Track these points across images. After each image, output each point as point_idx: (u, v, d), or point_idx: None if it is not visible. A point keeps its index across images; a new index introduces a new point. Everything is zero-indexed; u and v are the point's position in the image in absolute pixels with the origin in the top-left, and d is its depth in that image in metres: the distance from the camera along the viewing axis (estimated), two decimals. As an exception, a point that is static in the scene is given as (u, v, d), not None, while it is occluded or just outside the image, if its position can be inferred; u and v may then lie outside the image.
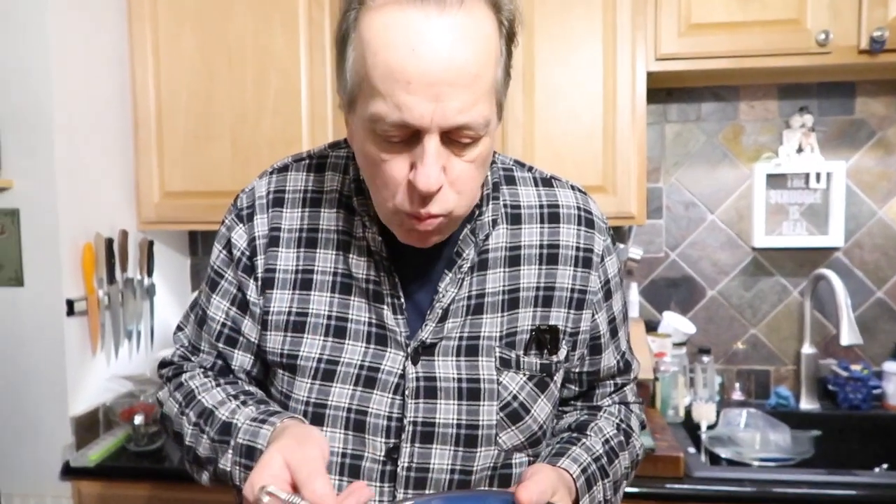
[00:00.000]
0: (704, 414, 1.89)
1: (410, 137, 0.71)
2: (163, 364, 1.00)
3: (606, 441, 0.92)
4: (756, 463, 1.75)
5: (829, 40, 1.69)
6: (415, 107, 0.68)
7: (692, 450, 1.68)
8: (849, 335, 1.79)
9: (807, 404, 2.01)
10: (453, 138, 0.72)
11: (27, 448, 1.71)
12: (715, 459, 1.79)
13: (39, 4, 1.63)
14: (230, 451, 0.79)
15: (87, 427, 1.76)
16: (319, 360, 0.85)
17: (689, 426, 1.88)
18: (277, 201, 0.90)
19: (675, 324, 2.06)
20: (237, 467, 0.78)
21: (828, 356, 2.09)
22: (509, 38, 0.76)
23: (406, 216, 0.76)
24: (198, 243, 2.33)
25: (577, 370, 0.95)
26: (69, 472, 1.67)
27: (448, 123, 0.69)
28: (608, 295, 0.94)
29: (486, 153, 0.76)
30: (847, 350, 2.06)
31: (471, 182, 0.76)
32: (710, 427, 1.88)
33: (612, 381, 0.99)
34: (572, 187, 0.95)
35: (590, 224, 0.92)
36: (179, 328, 0.99)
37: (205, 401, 0.87)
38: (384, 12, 0.68)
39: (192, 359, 0.96)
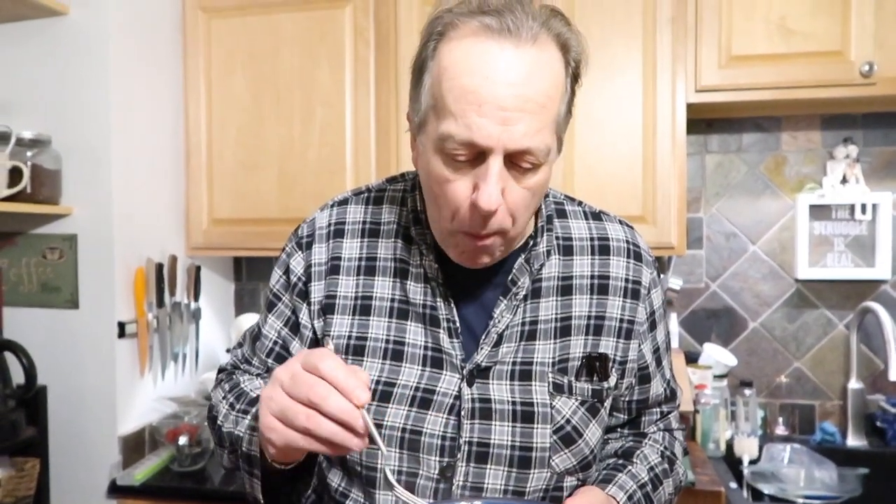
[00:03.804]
0: (746, 448, 1.85)
1: (476, 158, 0.76)
2: (220, 371, 1.07)
3: (651, 468, 0.95)
4: (800, 500, 1.71)
5: (873, 71, 1.68)
6: (484, 128, 0.73)
7: (734, 485, 1.65)
8: (898, 370, 1.75)
9: (854, 441, 1.96)
10: (515, 162, 0.76)
11: (76, 465, 1.77)
12: (757, 495, 1.75)
13: (101, 43, 1.73)
14: (248, 417, 0.84)
15: (134, 446, 1.81)
16: (377, 382, 0.88)
17: (731, 461, 1.84)
18: (338, 232, 0.95)
19: (716, 356, 2.03)
20: (249, 432, 0.83)
21: (876, 391, 2.03)
22: (574, 78, 0.81)
23: (463, 235, 0.80)
24: (242, 269, 2.39)
25: (626, 399, 0.97)
26: (116, 490, 1.72)
27: (513, 146, 0.74)
28: (653, 326, 0.97)
29: (543, 182, 0.81)
30: (896, 386, 2.01)
31: (525, 209, 0.81)
32: (753, 462, 1.84)
33: (658, 409, 1.02)
34: (620, 221, 0.99)
35: (638, 257, 0.96)
36: (239, 345, 1.06)
37: (246, 387, 0.94)
38: (464, 43, 0.75)
39: (242, 367, 1.02)
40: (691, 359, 2.05)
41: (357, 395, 0.65)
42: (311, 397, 0.66)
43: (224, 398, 0.94)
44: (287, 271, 0.96)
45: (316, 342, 0.94)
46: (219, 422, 0.91)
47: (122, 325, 1.76)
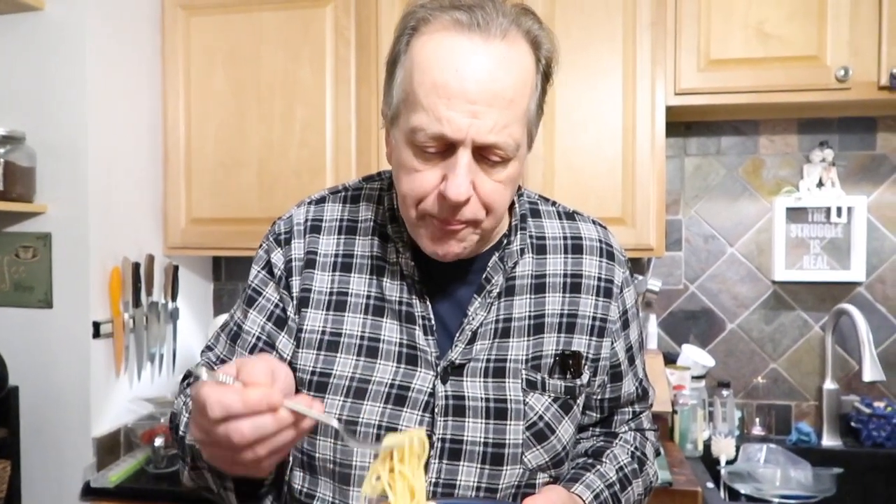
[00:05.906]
0: (724, 448, 1.87)
1: (445, 150, 0.77)
2: (186, 376, 1.02)
3: (621, 468, 0.95)
4: (776, 500, 1.73)
5: (848, 76, 1.71)
6: (453, 121, 0.74)
7: (710, 485, 1.66)
8: (871, 371, 1.77)
9: (829, 441, 1.98)
10: (485, 155, 0.78)
11: (49, 467, 1.74)
12: (734, 495, 1.77)
13: (78, 39, 1.71)
14: None
15: (109, 448, 1.78)
16: (352, 379, 0.88)
17: (708, 461, 1.86)
18: (315, 228, 0.95)
19: (695, 357, 2.05)
20: None
21: (850, 392, 2.06)
22: (545, 76, 0.83)
23: (430, 219, 0.81)
24: (221, 269, 2.37)
25: (598, 397, 0.98)
26: (89, 492, 1.69)
27: (481, 140, 0.75)
28: (626, 324, 0.98)
29: (513, 176, 0.82)
30: (870, 387, 2.03)
31: (499, 200, 0.81)
32: (730, 462, 1.86)
33: (629, 409, 1.03)
34: (593, 221, 1.00)
35: (610, 256, 0.97)
36: (209, 348, 1.01)
37: None
38: (435, 37, 0.77)
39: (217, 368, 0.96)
40: (670, 360, 2.06)
41: (272, 400, 0.62)
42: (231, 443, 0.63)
43: (185, 405, 0.90)
44: (269, 266, 0.95)
45: (299, 335, 0.92)
46: (181, 432, 0.87)
47: (96, 325, 1.73)
